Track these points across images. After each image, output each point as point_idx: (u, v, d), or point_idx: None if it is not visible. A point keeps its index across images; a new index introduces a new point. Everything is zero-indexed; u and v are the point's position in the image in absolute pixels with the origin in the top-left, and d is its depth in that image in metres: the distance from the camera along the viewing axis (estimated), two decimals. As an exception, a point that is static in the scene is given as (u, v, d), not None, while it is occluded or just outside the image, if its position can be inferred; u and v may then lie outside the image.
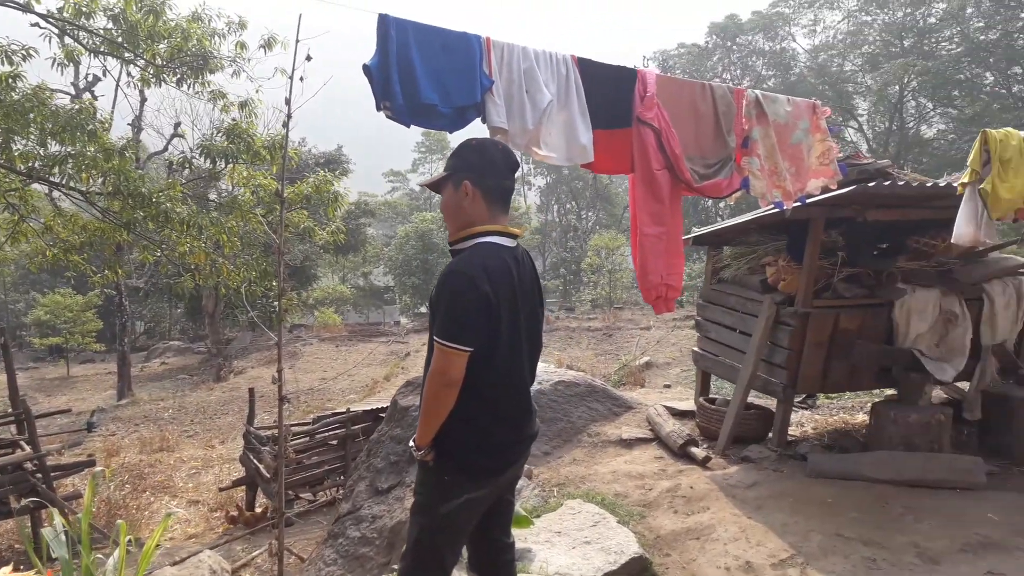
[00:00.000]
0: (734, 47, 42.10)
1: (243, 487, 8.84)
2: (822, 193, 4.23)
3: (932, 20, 40.02)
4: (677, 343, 16.15)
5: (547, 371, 6.74)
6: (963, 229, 4.12)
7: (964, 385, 5.82)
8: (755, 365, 5.41)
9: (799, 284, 5.15)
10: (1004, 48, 37.81)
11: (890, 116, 40.18)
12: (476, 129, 3.14)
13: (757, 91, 3.81)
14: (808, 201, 4.62)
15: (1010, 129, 4.21)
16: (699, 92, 3.73)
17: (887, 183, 4.66)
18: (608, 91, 3.43)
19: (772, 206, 3.98)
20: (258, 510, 8.33)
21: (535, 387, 6.21)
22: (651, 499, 4.78)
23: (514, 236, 2.46)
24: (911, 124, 41.20)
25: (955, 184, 4.30)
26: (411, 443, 2.41)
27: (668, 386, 11.24)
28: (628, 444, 5.76)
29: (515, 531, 4.01)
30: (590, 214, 45.88)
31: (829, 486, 4.86)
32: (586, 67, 3.39)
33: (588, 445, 5.82)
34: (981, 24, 38.75)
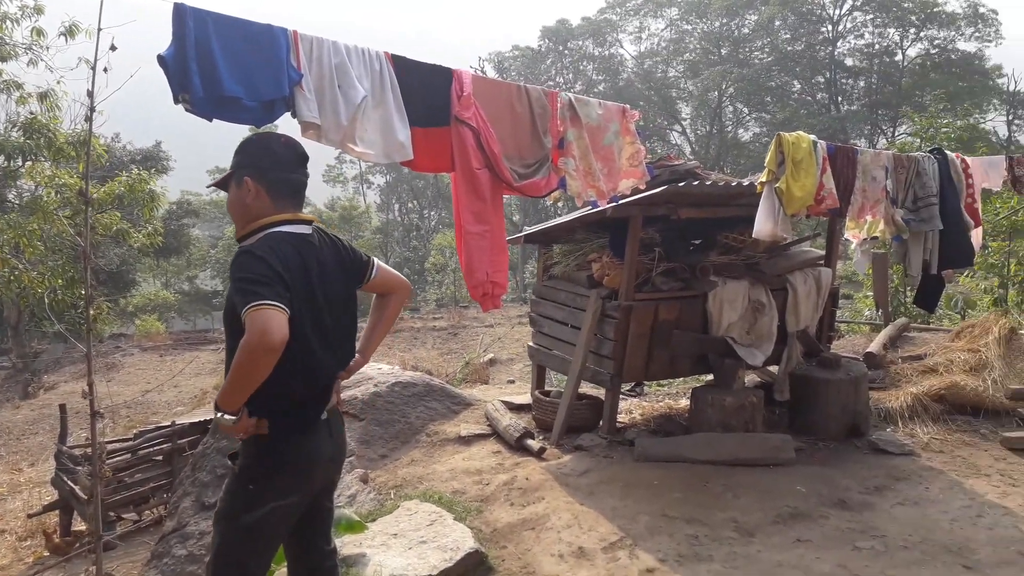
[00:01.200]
0: (566, 51, 43.47)
1: (57, 511, 8.13)
2: (632, 193, 4.46)
3: (745, 30, 43.19)
4: (521, 339, 16.47)
5: (385, 372, 6.67)
6: (763, 225, 4.47)
7: (774, 369, 6.30)
8: (584, 357, 5.61)
9: (622, 279, 5.39)
10: (808, 59, 41.45)
11: (711, 120, 42.97)
12: (290, 126, 3.06)
13: (570, 94, 3.96)
14: (625, 200, 4.85)
15: (801, 133, 4.62)
16: (515, 94, 3.82)
17: (695, 183, 4.98)
18: (425, 89, 3.44)
19: (589, 205, 4.15)
20: (77, 534, 7.69)
21: (371, 389, 6.13)
22: (488, 493, 4.84)
23: (308, 222, 2.42)
24: (729, 128, 44.25)
25: (755, 183, 4.67)
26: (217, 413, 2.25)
27: (512, 381, 11.43)
28: (467, 441, 5.80)
29: (349, 537, 3.94)
30: (433, 213, 45.86)
31: (656, 469, 5.11)
32: (401, 64, 3.38)
33: (426, 445, 5.82)
34: (788, 36, 42.29)
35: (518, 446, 5.53)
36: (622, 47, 45.44)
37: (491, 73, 39.84)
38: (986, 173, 5.92)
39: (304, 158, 2.47)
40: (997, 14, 40.02)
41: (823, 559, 3.95)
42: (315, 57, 3.15)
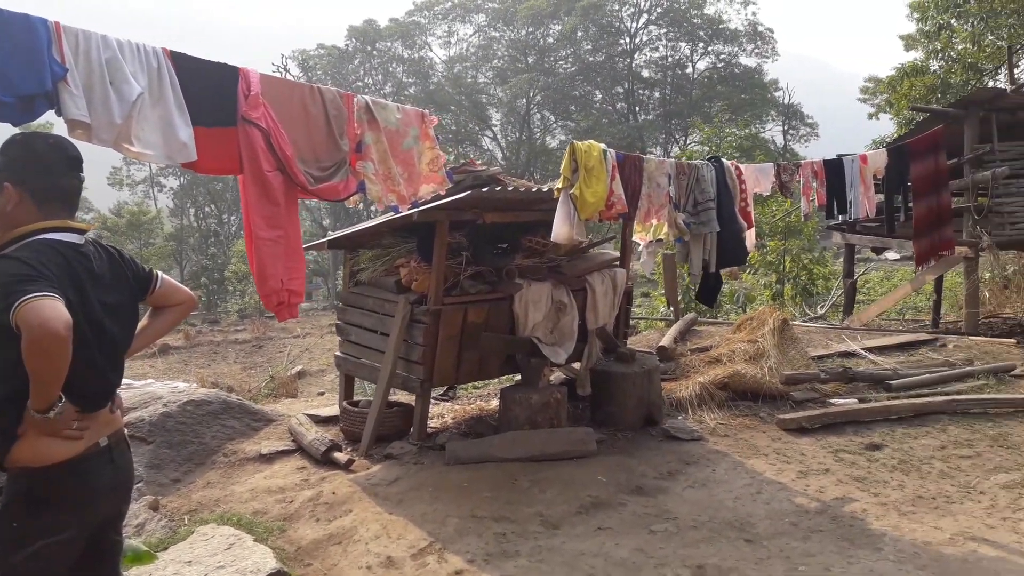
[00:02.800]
0: (374, 52, 42.98)
1: None
2: (434, 198, 4.48)
3: (550, 40, 44.79)
4: (333, 348, 16.02)
5: (178, 391, 6.23)
6: (560, 228, 4.65)
7: (577, 365, 6.56)
8: (394, 363, 5.56)
9: (430, 283, 5.39)
10: (608, 69, 43.73)
11: (520, 127, 44.19)
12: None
13: (367, 97, 3.90)
14: (431, 205, 4.86)
15: (592, 142, 4.85)
16: (308, 94, 3.70)
17: (498, 188, 5.09)
18: (209, 88, 3.24)
19: (390, 210, 4.11)
20: None
21: (160, 409, 5.71)
22: (292, 511, 4.65)
23: (81, 231, 2.23)
24: (538, 135, 45.71)
25: (553, 189, 4.84)
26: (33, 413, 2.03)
27: (322, 393, 11.10)
28: (268, 459, 5.55)
29: (136, 569, 3.63)
30: (232, 218, 43.25)
31: (466, 471, 5.15)
32: (182, 61, 3.17)
33: (224, 465, 5.50)
34: (590, 47, 44.36)
35: (325, 460, 5.37)
36: (431, 50, 45.67)
37: (295, 72, 38.52)
38: (757, 179, 6.51)
39: (76, 160, 2.25)
40: (773, 32, 44.40)
41: (622, 545, 4.16)
42: (82, 51, 2.88)
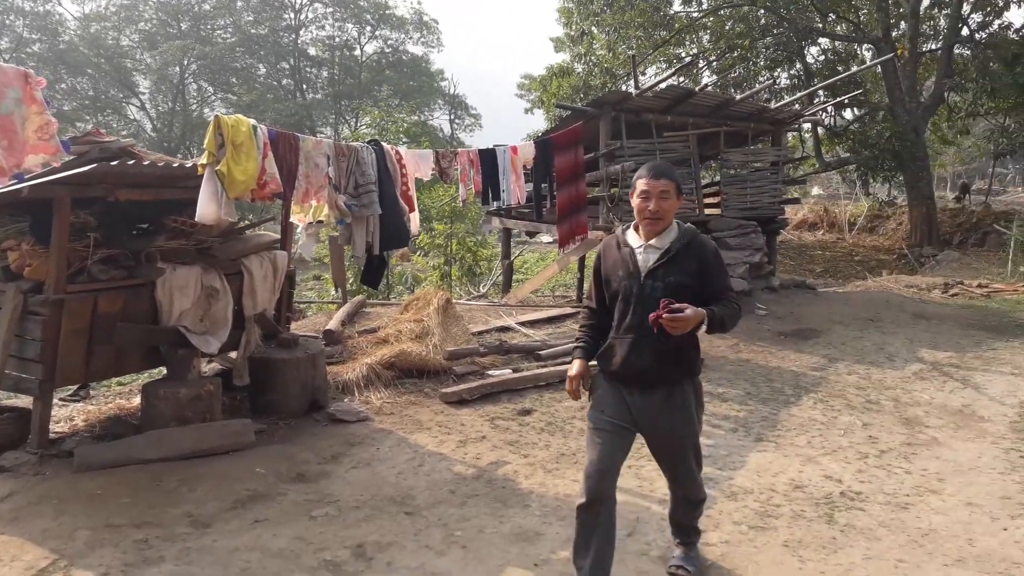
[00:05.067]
0: (-10, 1, 36.48)
1: None
2: (48, 172, 3.89)
3: (207, 7, 41.72)
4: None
5: None
6: (205, 208, 4.32)
7: (234, 354, 6.19)
8: (3, 363, 4.76)
9: (49, 269, 4.69)
10: (272, 43, 41.95)
11: (173, 97, 40.61)
12: None
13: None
14: (47, 179, 4.23)
15: (240, 116, 4.57)
16: None
17: (132, 162, 4.57)
18: None
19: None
20: None
21: None
22: None
23: None
24: (195, 106, 42.42)
25: (196, 165, 4.48)
26: None
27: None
28: None
29: None
30: None
31: (100, 477, 4.62)
32: None
33: None
34: (251, 18, 42.14)
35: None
36: (60, 4, 39.89)
37: None
38: (418, 165, 6.66)
39: None
40: (438, 23, 45.98)
41: (280, 535, 4.03)
42: None
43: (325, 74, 45.40)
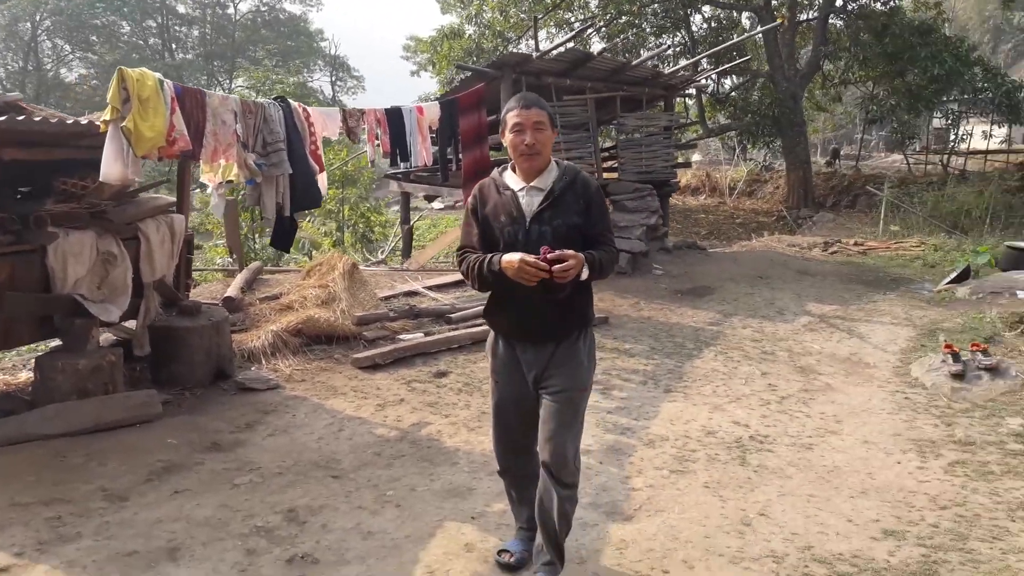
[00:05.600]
0: None
1: None
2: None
3: (62, -42, 38.61)
4: None
5: None
6: (111, 167, 4.07)
7: (132, 324, 5.88)
8: None
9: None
10: (138, 1, 39.36)
11: (24, 55, 37.50)
12: None
13: None
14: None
15: (145, 70, 4.31)
16: None
17: (21, 118, 4.22)
18: None
19: None
20: None
21: None
22: None
23: None
24: (50, 66, 39.40)
25: (98, 122, 4.19)
26: None
27: None
28: None
29: None
30: None
31: (-4, 457, 4.33)
32: None
33: None
34: (113, -29, 39.31)
35: None
36: None
37: None
38: (325, 123, 6.43)
39: None
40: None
41: (203, 504, 3.92)
42: None
43: (196, 33, 43.11)
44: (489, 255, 2.92)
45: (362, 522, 3.74)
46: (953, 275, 9.41)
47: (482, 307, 3.29)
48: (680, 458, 4.53)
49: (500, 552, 3.34)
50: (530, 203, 2.95)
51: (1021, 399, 5.46)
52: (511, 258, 2.79)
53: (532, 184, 2.97)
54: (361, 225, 15.71)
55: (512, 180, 3.03)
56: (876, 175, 20.35)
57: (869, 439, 4.85)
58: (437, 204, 19.93)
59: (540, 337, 3.01)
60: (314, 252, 13.82)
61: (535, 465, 3.13)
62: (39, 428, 4.61)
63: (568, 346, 3.02)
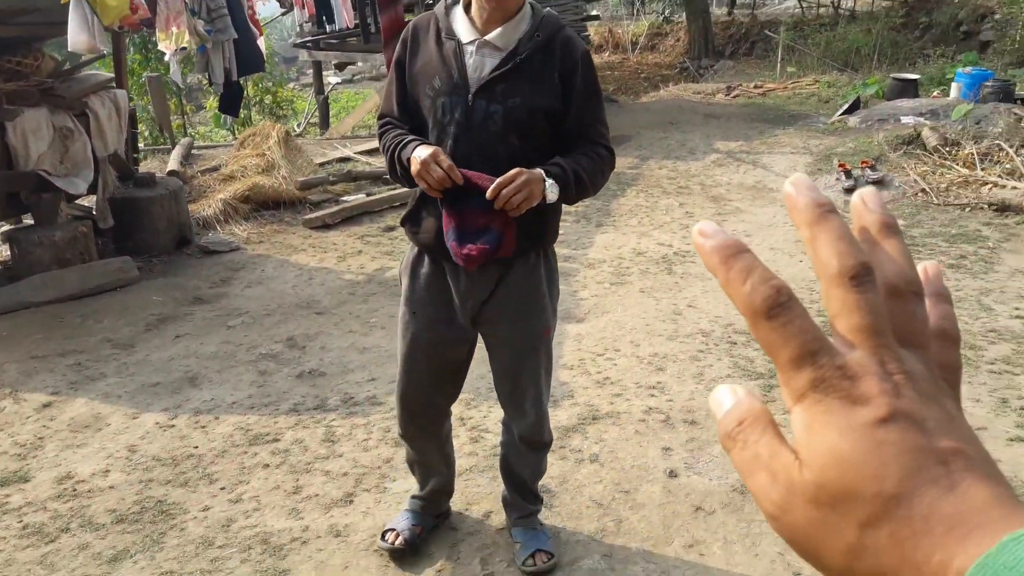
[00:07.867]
0: None
1: None
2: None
3: None
4: None
5: None
6: (77, 37, 4.26)
7: (93, 199, 6.11)
8: None
9: None
10: None
11: None
12: None
13: None
14: None
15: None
16: None
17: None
18: None
19: None
20: None
21: None
22: None
23: None
24: None
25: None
26: None
27: None
28: None
29: None
30: None
31: (-3, 323, 4.70)
32: None
33: None
34: None
35: None
36: None
37: None
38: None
39: None
40: None
41: (207, 343, 4.44)
42: None
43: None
44: (406, 138, 2.10)
45: (355, 342, 4.35)
46: (845, 107, 10.24)
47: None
48: (617, 273, 5.26)
49: (384, 535, 2.57)
50: (479, 65, 2.08)
51: (901, 205, 6.39)
52: (421, 154, 1.96)
53: (488, 37, 2.07)
54: (268, 100, 15.45)
55: (462, 25, 2.11)
56: (772, 20, 20.96)
57: (775, 246, 5.70)
58: (333, 79, 19.42)
59: None
60: (236, 128, 13.67)
61: (447, 428, 2.54)
62: (32, 296, 4.95)
63: (523, 270, 2.21)
